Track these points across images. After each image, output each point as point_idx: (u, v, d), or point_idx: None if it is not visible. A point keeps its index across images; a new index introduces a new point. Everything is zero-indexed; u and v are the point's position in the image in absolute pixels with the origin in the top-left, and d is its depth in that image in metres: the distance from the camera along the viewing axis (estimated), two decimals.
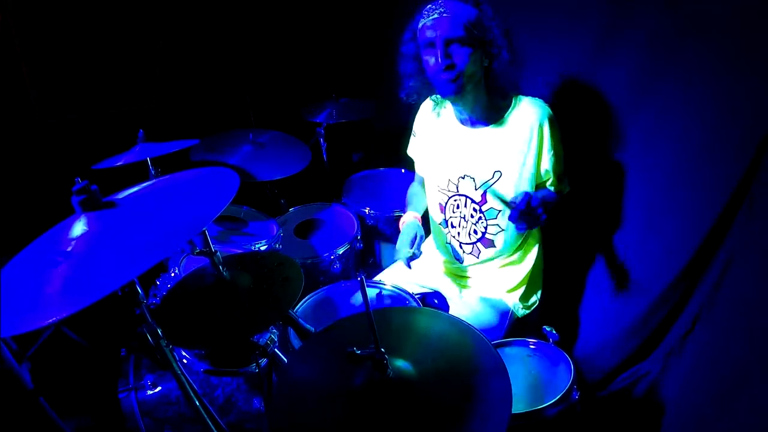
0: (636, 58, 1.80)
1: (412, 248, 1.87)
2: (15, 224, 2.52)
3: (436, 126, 2.01)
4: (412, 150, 2.18)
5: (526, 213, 1.57)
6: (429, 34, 1.68)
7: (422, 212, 2.13)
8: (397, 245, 1.91)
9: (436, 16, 1.67)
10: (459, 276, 2.13)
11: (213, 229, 2.36)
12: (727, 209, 1.65)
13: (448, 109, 1.95)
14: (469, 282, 2.11)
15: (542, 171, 1.85)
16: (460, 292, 2.12)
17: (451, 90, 1.72)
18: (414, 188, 2.25)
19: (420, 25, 1.73)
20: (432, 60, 1.70)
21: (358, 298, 2.05)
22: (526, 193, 1.58)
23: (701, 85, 1.64)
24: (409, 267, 1.90)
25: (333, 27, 3.58)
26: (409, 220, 2.01)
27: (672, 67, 1.70)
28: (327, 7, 3.54)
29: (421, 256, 1.92)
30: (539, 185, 1.91)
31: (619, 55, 1.86)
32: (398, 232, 2.00)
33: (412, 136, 2.15)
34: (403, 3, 1.78)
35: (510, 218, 1.61)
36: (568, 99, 2.05)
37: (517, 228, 1.64)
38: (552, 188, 1.91)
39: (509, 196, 1.83)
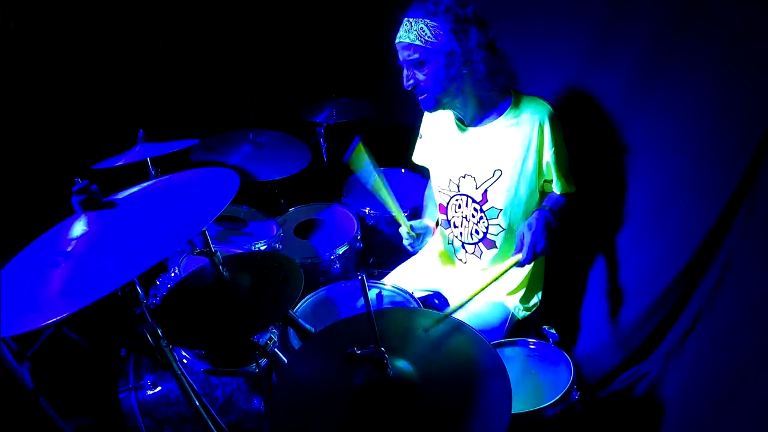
0: (635, 59, 1.80)
1: (414, 231, 2.00)
2: (15, 224, 2.51)
3: (439, 126, 2.02)
4: (418, 155, 2.18)
5: (533, 258, 1.73)
6: (399, 57, 1.77)
7: (435, 219, 2.18)
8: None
9: (398, 40, 1.74)
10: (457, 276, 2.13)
11: (213, 229, 2.36)
12: (727, 209, 1.65)
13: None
14: (468, 283, 2.10)
15: (544, 165, 1.83)
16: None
17: (425, 106, 1.83)
18: (429, 192, 2.26)
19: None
20: (404, 81, 1.80)
21: (358, 299, 2.05)
22: (529, 248, 1.71)
23: (701, 85, 1.64)
24: (413, 250, 2.06)
25: (332, 27, 3.58)
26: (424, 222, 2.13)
27: (671, 67, 1.70)
28: (326, 7, 3.54)
29: (421, 252, 2.01)
30: (545, 182, 1.90)
31: (618, 55, 1.85)
32: (398, 232, 2.02)
33: (418, 139, 2.15)
34: (402, 3, 1.79)
35: (517, 265, 1.75)
36: (568, 100, 2.05)
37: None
38: (558, 190, 1.91)
39: (510, 194, 1.84)
